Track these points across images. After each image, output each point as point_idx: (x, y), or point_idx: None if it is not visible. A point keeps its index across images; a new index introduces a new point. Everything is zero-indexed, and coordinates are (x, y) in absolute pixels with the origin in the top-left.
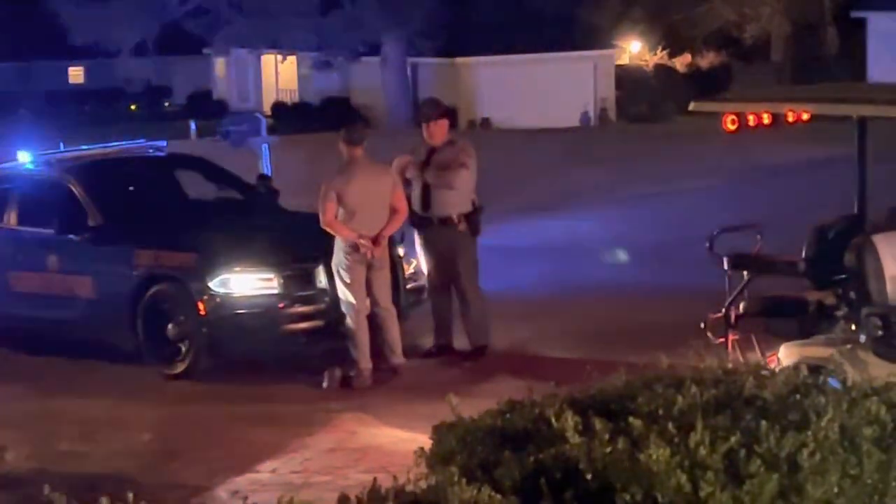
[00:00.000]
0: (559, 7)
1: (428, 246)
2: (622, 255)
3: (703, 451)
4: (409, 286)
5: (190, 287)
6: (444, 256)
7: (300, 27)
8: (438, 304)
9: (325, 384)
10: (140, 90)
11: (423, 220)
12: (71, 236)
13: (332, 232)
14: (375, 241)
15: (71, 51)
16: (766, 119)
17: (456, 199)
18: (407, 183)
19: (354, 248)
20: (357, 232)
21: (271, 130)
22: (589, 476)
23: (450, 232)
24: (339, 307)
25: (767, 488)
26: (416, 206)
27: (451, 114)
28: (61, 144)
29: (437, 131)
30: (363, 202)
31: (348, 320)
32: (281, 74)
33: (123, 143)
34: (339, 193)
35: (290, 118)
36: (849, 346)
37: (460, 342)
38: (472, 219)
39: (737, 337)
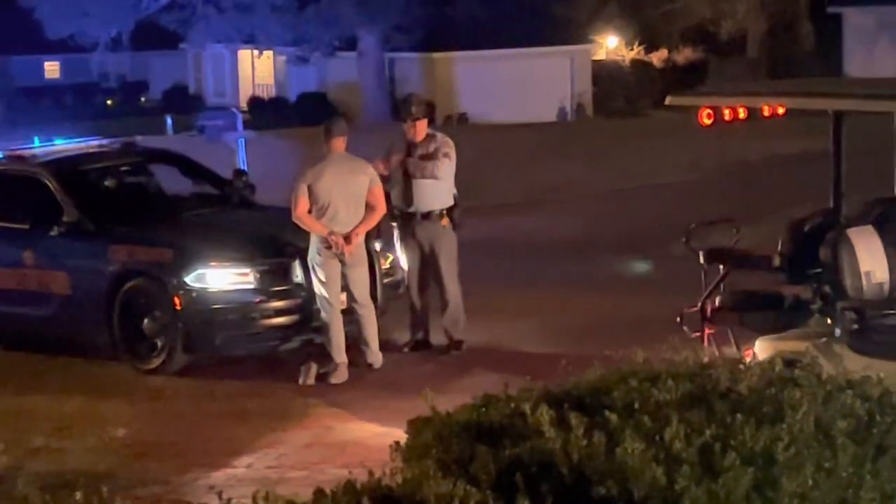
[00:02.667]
0: (536, 2)
1: (409, 241)
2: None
3: (678, 445)
4: (385, 281)
5: (166, 282)
6: (424, 251)
7: (276, 22)
8: (416, 298)
9: (301, 379)
10: (116, 85)
11: (405, 215)
12: (46, 232)
13: (302, 226)
14: (348, 237)
15: (47, 46)
16: (742, 113)
17: (439, 192)
18: (386, 180)
19: (326, 243)
20: (329, 227)
21: (248, 125)
22: (565, 470)
23: (432, 226)
24: (315, 302)
25: (742, 482)
26: (398, 202)
27: (433, 110)
28: (36, 140)
29: (423, 128)
30: (335, 197)
31: (323, 315)
32: (257, 69)
33: (97, 139)
34: (310, 187)
35: (267, 113)
36: (824, 340)
37: (437, 337)
38: (454, 214)
39: (713, 331)
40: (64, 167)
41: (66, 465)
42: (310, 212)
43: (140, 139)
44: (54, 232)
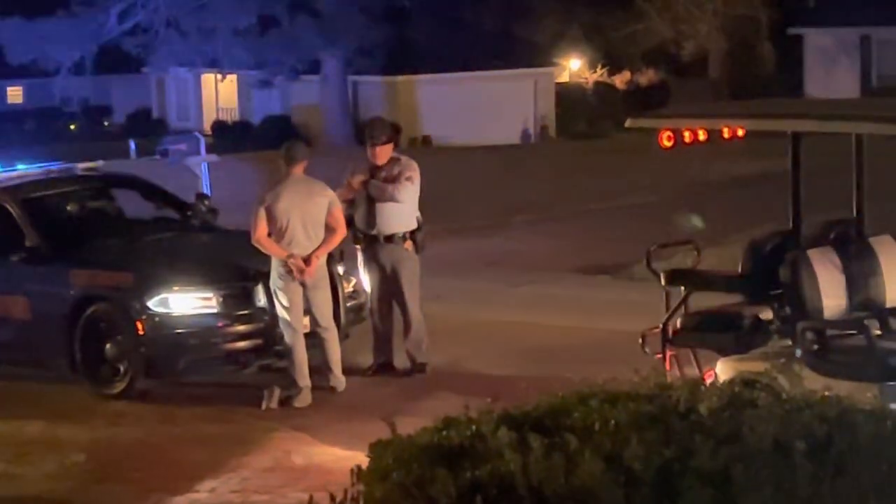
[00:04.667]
0: (499, 25)
1: (372, 263)
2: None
3: (637, 466)
4: (349, 304)
5: (128, 307)
6: (387, 274)
7: (239, 46)
8: (379, 321)
9: (263, 403)
10: (79, 109)
11: (368, 238)
12: (7, 257)
13: (261, 249)
14: (307, 260)
15: (9, 70)
16: (702, 135)
17: (401, 215)
18: (350, 204)
19: (287, 266)
20: (288, 250)
21: (211, 149)
22: (524, 492)
23: (395, 249)
24: (278, 326)
25: (701, 502)
26: (361, 224)
27: (398, 134)
28: None
29: (384, 153)
30: (293, 220)
31: (286, 339)
32: (221, 93)
33: (58, 164)
34: (267, 210)
35: (230, 137)
36: (784, 361)
37: (400, 360)
38: (417, 236)
39: (675, 352)
40: (25, 192)
41: (26, 491)
42: (269, 235)
43: (102, 163)
44: (15, 257)
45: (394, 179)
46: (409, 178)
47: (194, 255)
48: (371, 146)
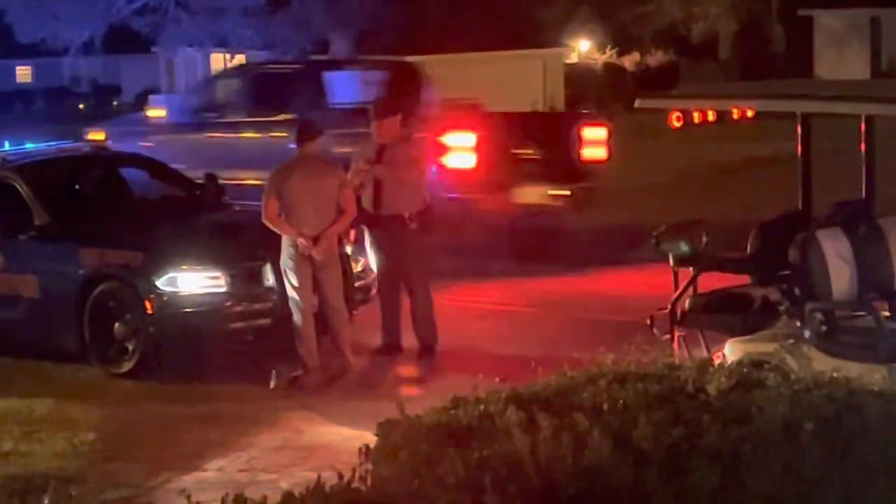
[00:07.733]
0: (508, 5)
1: (379, 244)
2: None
3: (646, 446)
4: (357, 284)
5: (136, 286)
6: (394, 254)
7: (248, 26)
8: (387, 302)
9: (272, 383)
10: (88, 89)
11: (375, 218)
12: (16, 236)
13: (272, 228)
14: (317, 239)
15: (18, 50)
16: (711, 116)
17: (408, 196)
18: (359, 185)
19: (297, 245)
20: (298, 229)
21: None
22: (532, 471)
23: (401, 230)
24: (287, 305)
25: (709, 482)
26: (368, 205)
27: (399, 111)
28: (6, 143)
29: (386, 129)
30: (303, 199)
31: (295, 318)
32: None
33: (67, 142)
34: (278, 189)
35: None
36: (793, 342)
37: (408, 340)
38: (425, 217)
39: (683, 333)
40: (35, 171)
41: (35, 469)
42: (280, 214)
43: (111, 142)
44: (24, 236)
45: (400, 160)
46: (417, 158)
47: (203, 235)
48: (374, 122)
